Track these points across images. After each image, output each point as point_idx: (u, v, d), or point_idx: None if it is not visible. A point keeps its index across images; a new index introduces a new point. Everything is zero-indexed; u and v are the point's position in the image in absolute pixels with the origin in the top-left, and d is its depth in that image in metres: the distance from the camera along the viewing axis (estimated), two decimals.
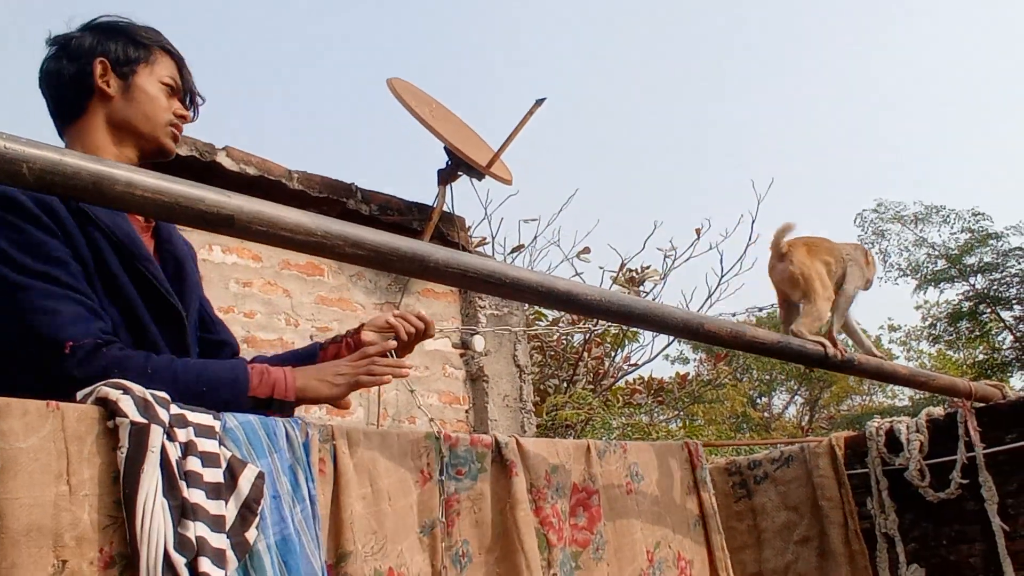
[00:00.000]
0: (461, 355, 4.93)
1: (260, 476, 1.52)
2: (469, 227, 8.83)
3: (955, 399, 3.46)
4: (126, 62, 1.77)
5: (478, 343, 4.74)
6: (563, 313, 9.44)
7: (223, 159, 4.38)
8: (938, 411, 3.62)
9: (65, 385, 1.43)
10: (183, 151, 4.22)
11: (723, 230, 9.93)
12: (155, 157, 1.83)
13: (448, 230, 5.14)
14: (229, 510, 1.47)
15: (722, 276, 8.77)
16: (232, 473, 1.50)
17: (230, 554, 1.42)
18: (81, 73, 1.75)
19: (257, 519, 1.48)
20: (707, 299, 9.16)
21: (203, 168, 4.25)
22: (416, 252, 1.64)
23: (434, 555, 1.73)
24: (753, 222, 8.86)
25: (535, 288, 1.83)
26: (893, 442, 3.59)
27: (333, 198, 4.83)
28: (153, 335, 1.66)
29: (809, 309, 2.95)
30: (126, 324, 1.63)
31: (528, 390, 5.03)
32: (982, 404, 3.44)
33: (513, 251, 9.42)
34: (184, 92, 1.85)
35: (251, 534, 1.46)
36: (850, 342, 3.30)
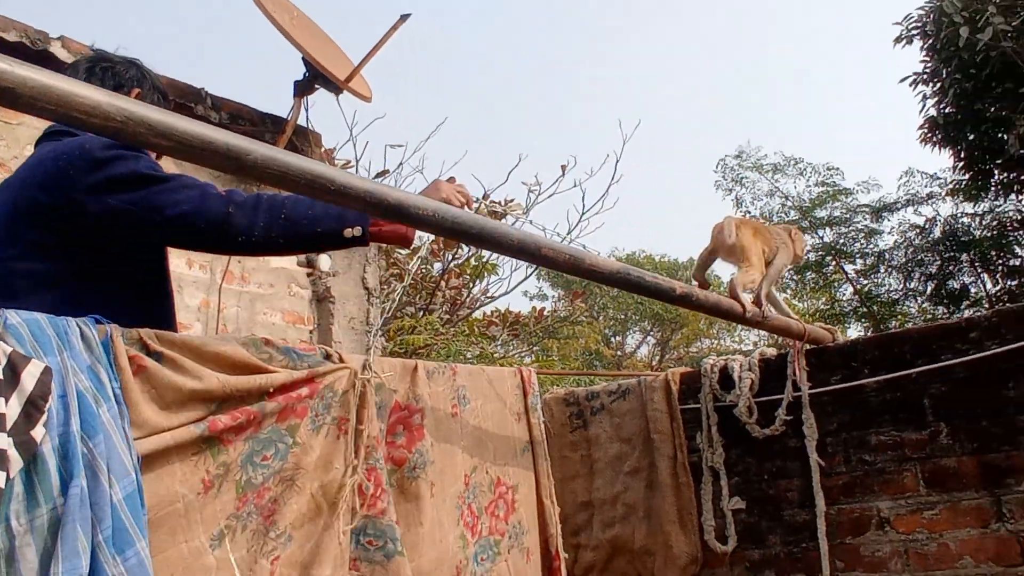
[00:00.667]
0: (308, 275, 4.78)
1: (46, 372, 1.40)
2: (333, 148, 8.58)
3: (788, 339, 3.59)
4: (139, 93, 2.16)
5: (324, 262, 4.61)
6: (423, 241, 9.34)
7: (57, 50, 4.02)
8: (771, 351, 3.75)
9: (234, 231, 1.88)
10: (11, 36, 3.87)
11: (588, 168, 9.99)
12: None
13: (302, 145, 4.94)
14: (11, 408, 1.35)
15: (583, 213, 8.82)
16: (13, 369, 1.37)
17: (13, 453, 1.31)
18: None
19: (44, 416, 1.36)
20: (567, 235, 9.21)
21: (35, 57, 3.90)
22: (231, 146, 1.52)
23: None
24: (617, 162, 8.93)
25: (363, 196, 1.74)
26: (727, 379, 3.70)
27: (180, 102, 4.55)
28: None
29: (744, 271, 3.41)
30: None
31: (376, 313, 4.94)
32: (813, 346, 3.57)
33: (377, 176, 9.22)
34: None
35: (37, 432, 1.35)
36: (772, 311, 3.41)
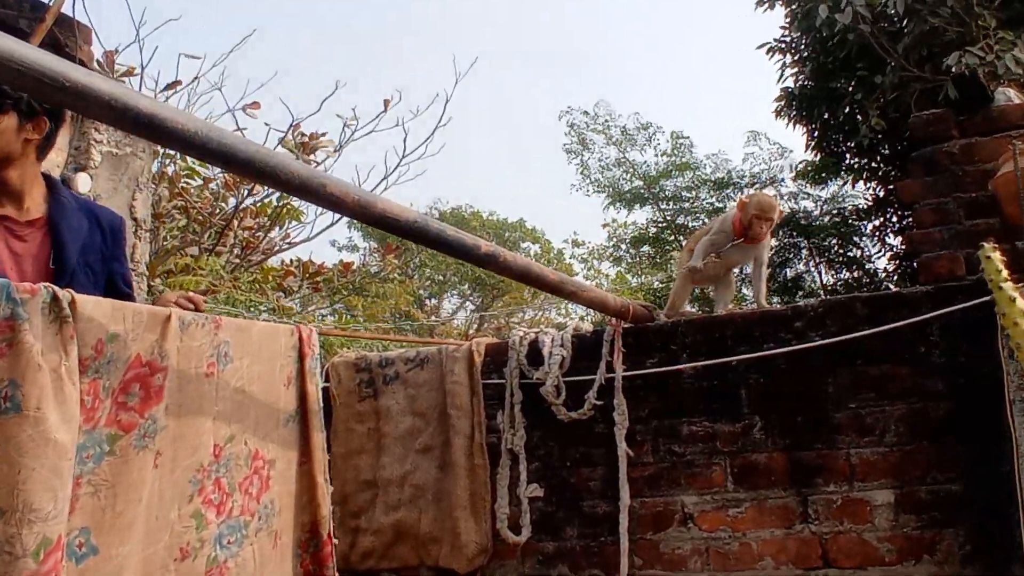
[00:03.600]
0: None
1: None
2: (116, 50, 8.09)
3: (608, 317, 3.65)
4: None
5: (83, 182, 4.33)
6: (219, 171, 8.99)
7: None
8: (587, 327, 3.81)
9: None
10: None
11: (414, 107, 9.83)
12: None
13: (67, 38, 4.61)
14: None
15: (403, 157, 8.72)
16: None
17: None
18: None
19: None
20: (383, 180, 9.09)
21: None
22: None
23: None
24: (447, 102, 8.83)
25: (107, 102, 1.61)
26: (536, 355, 3.74)
27: None
28: None
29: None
30: None
31: (144, 249, 4.70)
32: (632, 325, 3.65)
33: (167, 89, 8.76)
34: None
35: None
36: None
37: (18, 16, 4.45)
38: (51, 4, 4.46)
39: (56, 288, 1.77)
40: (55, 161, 4.64)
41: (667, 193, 16.29)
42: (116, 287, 2.67)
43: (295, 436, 2.38)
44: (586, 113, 17.06)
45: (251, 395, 2.23)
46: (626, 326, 3.64)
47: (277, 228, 9.78)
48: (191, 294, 2.49)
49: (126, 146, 4.85)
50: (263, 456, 2.24)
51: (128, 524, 1.79)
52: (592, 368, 3.63)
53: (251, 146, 1.87)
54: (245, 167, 1.87)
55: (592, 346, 3.68)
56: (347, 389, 3.91)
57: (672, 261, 16.70)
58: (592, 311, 3.98)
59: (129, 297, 2.72)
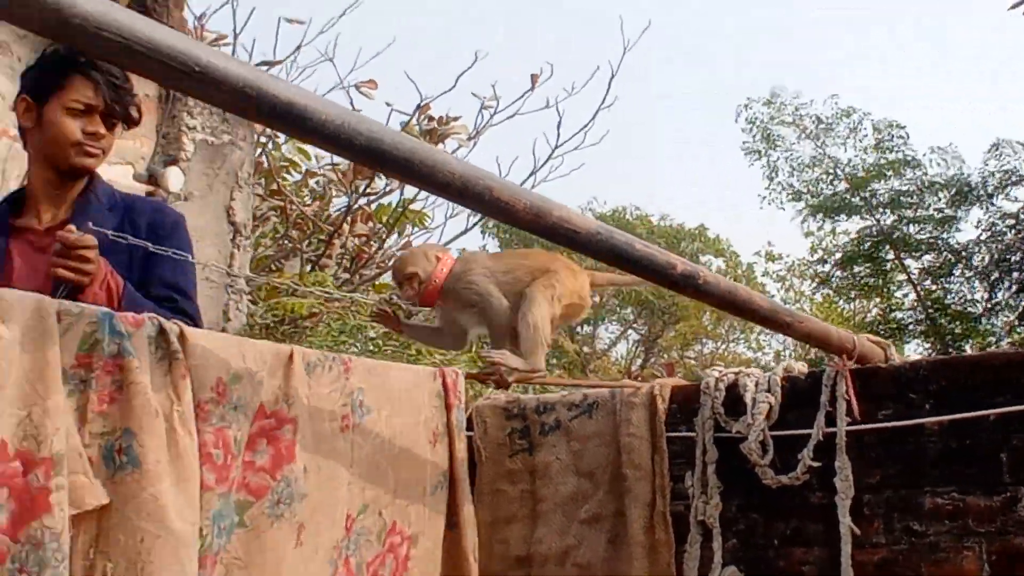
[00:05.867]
0: (148, 194, 4.67)
1: None
2: (203, 15, 8.43)
3: (830, 355, 3.58)
4: (38, 94, 2.69)
5: (174, 179, 4.50)
6: (323, 164, 9.19)
7: None
8: (800, 366, 3.74)
9: None
10: None
11: (569, 83, 9.76)
12: (74, 174, 2.77)
13: (154, 1, 4.82)
14: None
15: (555, 147, 8.75)
16: None
17: None
18: (16, 113, 2.76)
19: None
20: (531, 175, 9.13)
21: None
22: None
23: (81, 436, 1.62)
24: (613, 78, 8.81)
25: (240, 89, 1.63)
26: (735, 402, 3.68)
27: None
28: None
29: None
30: None
31: (244, 259, 4.86)
32: (858, 366, 3.57)
33: (263, 64, 9.05)
34: (106, 107, 2.73)
35: None
36: None
37: None
38: None
39: (161, 319, 1.85)
40: (139, 152, 4.83)
41: (881, 199, 15.87)
42: (147, 292, 2.66)
43: (443, 505, 2.41)
44: (769, 103, 16.82)
45: (392, 455, 2.26)
46: (851, 367, 3.56)
47: (395, 235, 9.88)
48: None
49: (223, 133, 5.01)
50: (402, 531, 2.27)
51: None
52: (805, 420, 3.56)
53: (406, 142, 1.91)
54: (398, 167, 1.91)
55: (807, 392, 3.60)
56: (495, 440, 3.91)
57: (891, 285, 16.28)
58: (798, 344, 3.89)
59: (170, 299, 2.67)
